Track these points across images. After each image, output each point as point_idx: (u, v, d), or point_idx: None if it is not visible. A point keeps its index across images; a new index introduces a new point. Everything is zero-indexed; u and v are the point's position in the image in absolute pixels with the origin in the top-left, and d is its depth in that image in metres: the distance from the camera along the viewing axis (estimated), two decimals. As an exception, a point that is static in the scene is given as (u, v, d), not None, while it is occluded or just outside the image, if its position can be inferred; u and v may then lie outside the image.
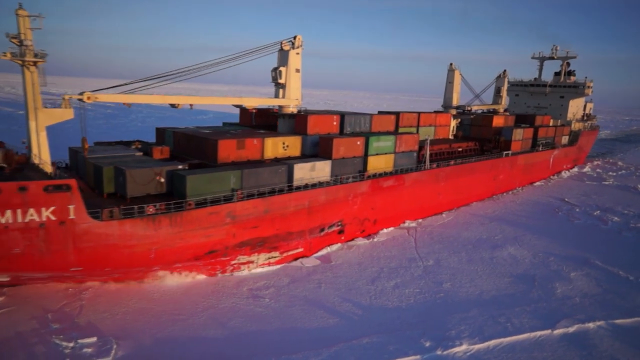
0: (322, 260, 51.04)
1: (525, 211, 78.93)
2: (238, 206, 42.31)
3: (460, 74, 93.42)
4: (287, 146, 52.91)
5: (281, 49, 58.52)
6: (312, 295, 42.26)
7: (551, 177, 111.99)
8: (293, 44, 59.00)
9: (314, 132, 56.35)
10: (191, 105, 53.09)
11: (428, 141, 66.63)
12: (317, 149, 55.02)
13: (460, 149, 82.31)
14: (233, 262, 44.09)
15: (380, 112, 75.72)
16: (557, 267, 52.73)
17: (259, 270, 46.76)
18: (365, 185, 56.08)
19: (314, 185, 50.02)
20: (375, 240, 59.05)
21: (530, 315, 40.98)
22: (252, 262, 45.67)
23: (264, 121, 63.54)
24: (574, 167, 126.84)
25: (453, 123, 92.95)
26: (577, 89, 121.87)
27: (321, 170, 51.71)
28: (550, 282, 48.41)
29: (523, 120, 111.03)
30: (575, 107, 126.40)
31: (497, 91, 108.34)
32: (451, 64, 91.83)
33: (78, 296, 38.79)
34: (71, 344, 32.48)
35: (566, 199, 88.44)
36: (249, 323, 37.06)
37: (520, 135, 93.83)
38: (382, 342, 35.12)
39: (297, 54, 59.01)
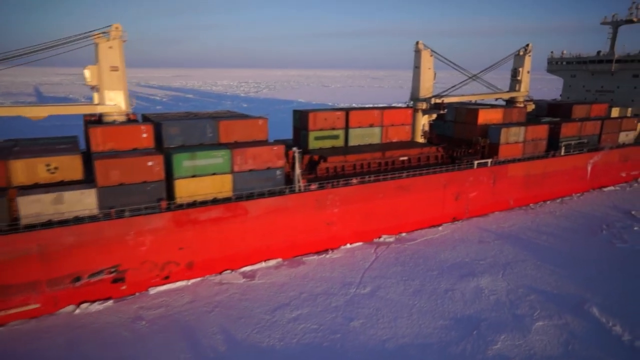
0: (247, 276, 48.00)
1: (556, 227, 64.68)
2: None
3: (433, 54, 70.39)
4: (56, 168, 41.80)
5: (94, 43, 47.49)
6: (194, 322, 39.75)
7: (595, 189, 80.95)
8: (109, 35, 47.43)
9: (108, 149, 44.26)
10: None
11: (296, 153, 49.19)
12: (102, 171, 42.89)
13: (404, 158, 61.52)
14: None
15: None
16: (528, 310, 42.38)
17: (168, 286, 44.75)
18: (160, 219, 42.38)
19: (50, 224, 38.31)
20: (328, 256, 53.43)
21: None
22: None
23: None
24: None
25: (423, 120, 71.13)
26: None
27: (77, 202, 39.70)
28: (497, 331, 38.81)
29: (554, 112, 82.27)
30: None
31: (514, 74, 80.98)
32: (417, 43, 69.45)
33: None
34: None
35: (633, 212, 70.27)
36: (102, 348, 36.07)
37: (517, 135, 67.94)
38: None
39: (111, 47, 47.27)
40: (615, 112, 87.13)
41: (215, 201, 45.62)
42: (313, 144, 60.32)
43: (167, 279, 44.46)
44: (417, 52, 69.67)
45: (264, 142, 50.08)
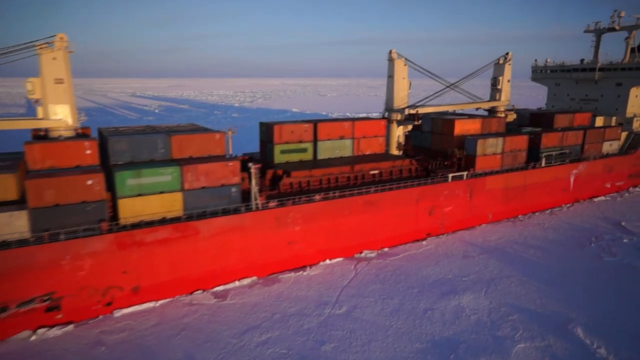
0: (219, 296, 45.84)
1: (544, 239, 62.38)
2: None
3: (408, 63, 68.11)
4: (-16, 188, 39.07)
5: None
6: (157, 347, 37.60)
7: (581, 200, 78.29)
8: (53, 46, 45.05)
9: (48, 166, 41.58)
10: None
11: (253, 169, 46.52)
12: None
13: (375, 172, 58.85)
14: None
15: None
16: (509, 331, 40.06)
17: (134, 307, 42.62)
18: (101, 241, 39.54)
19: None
20: (306, 273, 51.20)
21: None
22: None
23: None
24: (632, 185, 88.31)
25: (398, 132, 68.61)
26: None
27: (6, 225, 36.71)
28: (476, 355, 36.55)
29: (536, 121, 79.99)
30: None
31: (494, 83, 78.72)
32: (391, 52, 67.20)
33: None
34: None
35: (623, 224, 68.02)
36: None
37: (495, 146, 65.43)
38: None
39: (55, 58, 44.88)
40: (599, 121, 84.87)
41: (163, 221, 42.84)
42: (279, 158, 57.75)
43: (109, 305, 41.50)
44: (391, 61, 67.38)
45: (220, 158, 47.45)
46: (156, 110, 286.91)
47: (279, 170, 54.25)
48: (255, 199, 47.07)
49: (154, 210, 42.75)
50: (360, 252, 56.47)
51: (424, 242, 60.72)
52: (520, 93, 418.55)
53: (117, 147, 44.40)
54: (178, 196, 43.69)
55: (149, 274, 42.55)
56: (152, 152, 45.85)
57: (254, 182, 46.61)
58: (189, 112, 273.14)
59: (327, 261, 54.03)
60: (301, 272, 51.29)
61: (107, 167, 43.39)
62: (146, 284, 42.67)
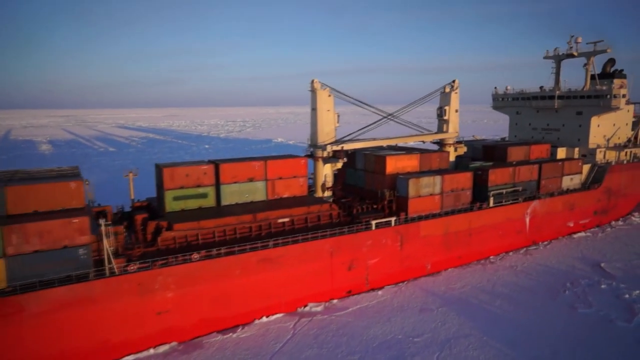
0: None
1: (514, 286, 55.80)
2: None
3: (332, 93, 60.61)
4: None
5: None
6: None
7: (538, 243, 69.64)
8: None
9: None
10: None
11: (103, 226, 38.06)
12: None
13: (284, 220, 50.38)
14: None
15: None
16: None
17: None
18: None
19: None
20: (235, 335, 44.66)
21: None
22: None
23: None
24: (598, 223, 79.75)
25: (325, 171, 60.46)
26: (601, 100, 76.20)
27: None
28: None
29: (489, 154, 72.05)
30: (605, 126, 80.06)
31: (440, 113, 71.20)
32: (313, 82, 59.79)
33: None
34: None
35: (602, 265, 61.72)
36: None
37: (431, 186, 57.15)
38: None
39: None
40: (561, 153, 77.10)
41: (-24, 296, 34.15)
42: (172, 206, 49.42)
43: None
44: (313, 92, 59.83)
45: (64, 213, 38.98)
46: (136, 144, 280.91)
47: (162, 222, 45.89)
48: (110, 263, 38.47)
49: (-37, 282, 34.15)
50: (305, 306, 49.53)
51: (380, 292, 53.79)
52: (495, 119, 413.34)
53: None
54: (-2, 265, 35.14)
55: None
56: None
57: (105, 241, 38.10)
58: (170, 144, 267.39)
59: (264, 319, 47.09)
60: (231, 334, 44.74)
61: None
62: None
